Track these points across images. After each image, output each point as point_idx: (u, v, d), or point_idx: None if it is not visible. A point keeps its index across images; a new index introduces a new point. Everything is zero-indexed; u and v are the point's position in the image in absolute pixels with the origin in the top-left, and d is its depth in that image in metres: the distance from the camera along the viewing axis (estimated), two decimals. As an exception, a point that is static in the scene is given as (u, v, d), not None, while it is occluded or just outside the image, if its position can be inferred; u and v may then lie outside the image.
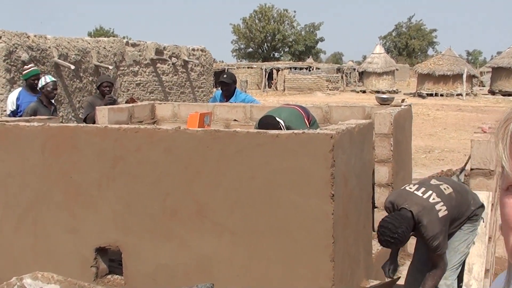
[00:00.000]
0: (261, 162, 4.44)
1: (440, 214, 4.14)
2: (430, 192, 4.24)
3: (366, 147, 5.30)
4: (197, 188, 4.65)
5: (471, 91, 43.65)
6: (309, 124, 6.43)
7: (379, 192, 6.42)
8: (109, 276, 5.19)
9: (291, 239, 4.45)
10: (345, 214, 4.64)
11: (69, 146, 5.06)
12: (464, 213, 4.38)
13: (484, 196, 4.83)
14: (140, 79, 14.24)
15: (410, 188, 4.37)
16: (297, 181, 4.36)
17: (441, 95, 42.34)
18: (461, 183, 4.65)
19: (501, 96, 41.46)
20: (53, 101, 9.26)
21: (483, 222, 4.68)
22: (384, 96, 7.91)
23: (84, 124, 5.68)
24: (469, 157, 8.73)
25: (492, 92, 44.24)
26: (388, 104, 7.42)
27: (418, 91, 44.10)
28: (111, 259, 5.34)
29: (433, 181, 4.43)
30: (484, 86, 55.14)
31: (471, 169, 5.24)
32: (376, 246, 6.00)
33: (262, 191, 4.46)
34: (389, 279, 4.74)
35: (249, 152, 4.46)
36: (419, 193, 4.26)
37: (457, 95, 41.77)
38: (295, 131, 4.41)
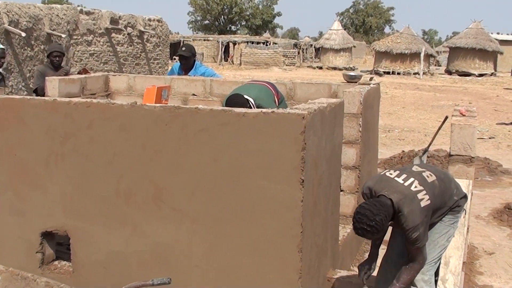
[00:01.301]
0: (226, 143, 4.08)
1: (423, 204, 3.83)
2: (412, 179, 3.92)
3: (337, 128, 4.98)
4: (154, 169, 4.27)
5: (428, 70, 43.94)
6: (278, 103, 6.08)
7: (346, 175, 6.13)
8: (56, 263, 4.81)
9: (256, 228, 4.12)
10: (314, 201, 4.32)
11: (15, 120, 4.62)
12: (446, 203, 4.08)
13: (464, 185, 4.56)
14: (94, 49, 13.71)
15: (391, 174, 4.04)
16: (264, 165, 4.02)
17: (398, 73, 42.51)
18: (444, 170, 4.32)
19: (458, 76, 41.83)
20: (1, 70, 8.69)
21: (465, 214, 4.39)
22: (352, 73, 7.61)
23: (31, 97, 5.21)
24: (433, 138, 8.54)
25: (449, 72, 44.56)
26: (356, 82, 7.11)
27: (375, 69, 44.16)
28: (58, 243, 4.93)
29: (415, 168, 4.12)
30: (440, 65, 55.59)
31: (450, 155, 4.95)
32: (342, 231, 5.72)
33: (226, 175, 4.11)
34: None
35: (213, 131, 4.10)
36: (400, 179, 3.94)
37: (414, 74, 41.98)
38: (264, 110, 4.04)
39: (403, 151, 11.74)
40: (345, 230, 5.86)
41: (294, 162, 3.95)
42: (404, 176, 3.96)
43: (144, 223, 4.36)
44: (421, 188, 3.86)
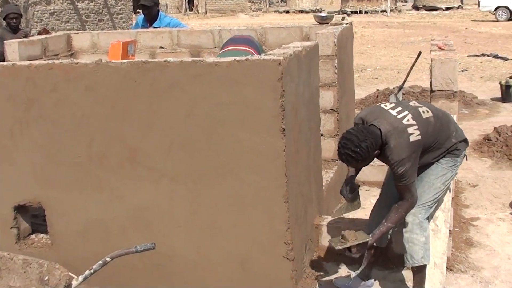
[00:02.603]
0: (200, 96, 3.88)
1: (412, 139, 3.65)
2: (406, 112, 3.74)
3: (313, 72, 4.80)
4: (126, 130, 4.07)
5: (395, 7, 43.70)
6: None
7: (324, 119, 5.96)
8: (33, 236, 4.63)
9: (239, 181, 3.97)
10: (296, 149, 4.16)
11: (-27, 89, 4.34)
12: (443, 144, 3.91)
13: (449, 120, 4.41)
14: (54, 8, 13.27)
15: (385, 105, 3.85)
16: (242, 116, 3.84)
17: (366, 12, 42.22)
18: (445, 111, 4.13)
19: (425, 11, 41.63)
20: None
21: (466, 159, 4.23)
22: (323, 14, 7.36)
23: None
24: (407, 75, 8.41)
25: (416, 8, 44.32)
26: (327, 23, 6.87)
27: (342, 9, 43.72)
28: (34, 215, 4.73)
29: (413, 103, 3.93)
30: (407, 1, 55.29)
31: (432, 91, 4.78)
32: (325, 177, 5.58)
33: (202, 129, 3.93)
34: (348, 204, 4.23)
35: (185, 85, 3.90)
36: (393, 112, 3.75)
37: (382, 11, 41.72)
38: (238, 58, 3.83)
39: (378, 90, 11.57)
40: (328, 175, 5.73)
41: (274, 110, 3.77)
42: (399, 109, 3.78)
43: (121, 186, 4.18)
44: (413, 122, 3.69)
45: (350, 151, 3.62)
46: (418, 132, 3.68)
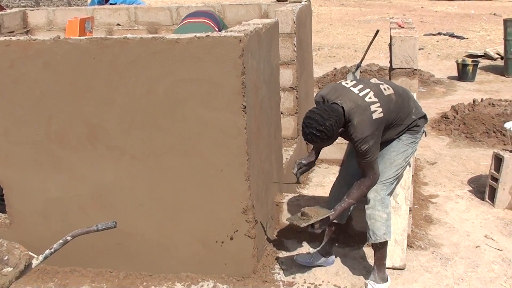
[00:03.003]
0: (160, 73, 3.85)
1: (375, 116, 3.67)
2: (367, 90, 3.75)
3: (274, 50, 4.79)
4: (86, 108, 4.01)
5: (351, -14, 43.78)
6: None
7: (284, 97, 5.97)
8: (-9, 216, 4.54)
9: (201, 159, 3.96)
10: (257, 126, 4.17)
11: None
12: (403, 120, 3.93)
13: (409, 98, 4.45)
14: (7, -16, 12.97)
15: (346, 83, 3.84)
16: (203, 93, 3.82)
17: (322, -10, 42.22)
18: (404, 87, 4.15)
19: (381, -11, 41.86)
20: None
21: (425, 136, 4.26)
22: (282, -9, 7.33)
23: None
24: (365, 53, 8.45)
25: (371, -14, 44.55)
26: (286, 1, 6.86)
27: (299, -12, 43.74)
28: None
29: (374, 80, 3.94)
30: (362, -20, 55.47)
31: (392, 69, 4.81)
32: (285, 154, 5.61)
33: (163, 107, 3.90)
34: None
35: (145, 62, 3.86)
36: (355, 90, 3.75)
37: (338, -10, 41.77)
38: (198, 35, 3.80)
39: (335, 68, 11.61)
40: (288, 153, 5.75)
41: (235, 88, 3.77)
42: (360, 86, 3.79)
43: (81, 165, 4.13)
44: (376, 100, 3.71)
45: (315, 130, 3.62)
46: (380, 109, 3.70)
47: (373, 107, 3.69)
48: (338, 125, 3.65)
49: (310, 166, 4.32)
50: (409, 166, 4.28)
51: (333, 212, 3.89)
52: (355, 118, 3.66)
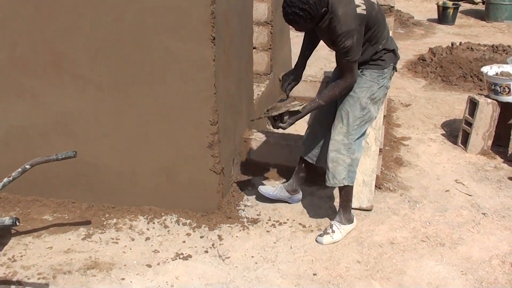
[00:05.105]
0: (128, 0, 3.69)
1: (358, 10, 3.46)
2: None
3: (248, -20, 4.65)
4: (51, 34, 3.88)
5: None
6: None
7: (258, 32, 5.85)
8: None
9: (167, 91, 3.86)
10: (226, 59, 4.07)
11: None
12: (374, 40, 3.71)
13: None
14: None
15: None
16: (172, 23, 3.70)
17: None
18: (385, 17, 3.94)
19: None
20: None
21: (396, 71, 4.09)
22: None
23: None
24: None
25: None
26: None
27: None
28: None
29: None
30: None
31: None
32: (256, 90, 5.52)
33: (130, 36, 3.78)
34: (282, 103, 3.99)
35: (112, -13, 3.70)
36: None
37: None
38: (167, -39, 3.65)
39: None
40: (259, 89, 5.67)
41: (204, 17, 3.65)
42: None
43: (44, 92, 4.03)
44: None
45: (297, 9, 3.39)
46: (364, 6, 3.49)
47: (357, 2, 3.50)
48: (321, 5, 3.45)
49: (297, 80, 4.10)
50: (381, 105, 4.16)
51: (304, 104, 3.72)
52: (340, 9, 3.45)
